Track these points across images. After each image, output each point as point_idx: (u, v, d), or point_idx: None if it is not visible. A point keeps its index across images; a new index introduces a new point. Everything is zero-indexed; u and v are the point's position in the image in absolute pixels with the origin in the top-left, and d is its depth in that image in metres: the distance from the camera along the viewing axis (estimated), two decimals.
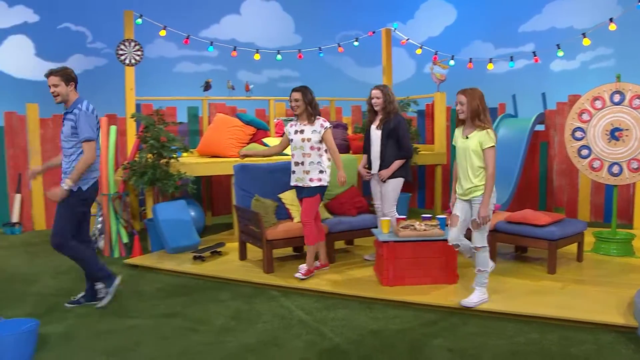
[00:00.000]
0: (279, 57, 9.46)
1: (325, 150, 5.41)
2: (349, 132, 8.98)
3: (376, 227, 5.74)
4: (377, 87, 5.79)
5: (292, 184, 5.50)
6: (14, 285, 5.60)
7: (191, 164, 6.99)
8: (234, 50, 8.97)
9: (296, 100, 5.40)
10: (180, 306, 4.89)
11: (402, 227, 5.27)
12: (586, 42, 8.19)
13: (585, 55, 10.27)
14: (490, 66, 9.28)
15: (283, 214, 6.00)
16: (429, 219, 5.51)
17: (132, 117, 6.99)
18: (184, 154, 7.29)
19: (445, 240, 5.18)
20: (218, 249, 6.35)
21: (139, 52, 7.69)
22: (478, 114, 4.38)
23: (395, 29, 9.70)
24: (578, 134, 6.48)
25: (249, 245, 6.13)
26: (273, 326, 4.37)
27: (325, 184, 5.39)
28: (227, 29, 11.91)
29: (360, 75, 12.34)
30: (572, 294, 4.85)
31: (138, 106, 8.06)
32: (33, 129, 8.45)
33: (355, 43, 9.74)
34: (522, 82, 10.66)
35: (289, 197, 5.98)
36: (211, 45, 8.79)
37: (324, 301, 4.92)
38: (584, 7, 10.23)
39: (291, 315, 4.61)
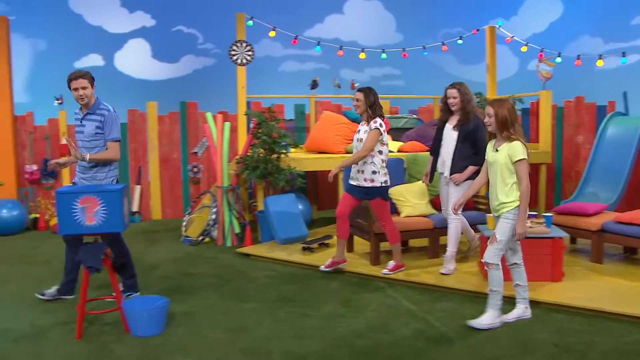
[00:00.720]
0: (384, 55, 9.64)
1: (380, 152, 5.44)
2: None
3: (483, 224, 5.83)
4: (453, 86, 5.52)
5: (349, 182, 5.65)
6: (139, 268, 6.11)
7: (300, 159, 7.37)
8: (340, 49, 9.26)
9: (357, 100, 5.46)
10: (291, 293, 5.22)
11: None
12: None
13: None
14: (599, 62, 9.05)
15: (390, 208, 6.16)
16: (535, 216, 5.55)
17: (245, 114, 7.44)
18: (292, 150, 7.67)
19: (552, 237, 5.23)
20: (326, 241, 6.65)
21: (249, 52, 8.14)
22: (507, 126, 4.20)
23: (499, 26, 9.66)
24: None
25: (355, 237, 6.40)
26: (381, 314, 4.61)
27: (379, 184, 5.43)
28: (330, 28, 12.21)
29: (462, 73, 12.29)
30: None
31: (248, 104, 8.53)
32: (152, 125, 9.14)
33: (459, 41, 9.78)
34: (635, 79, 10.29)
35: (396, 192, 6.18)
36: (318, 45, 9.13)
37: (429, 293, 5.11)
38: None
39: (398, 305, 4.83)
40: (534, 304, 4.70)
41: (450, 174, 5.56)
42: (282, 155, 7.19)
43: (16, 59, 9.05)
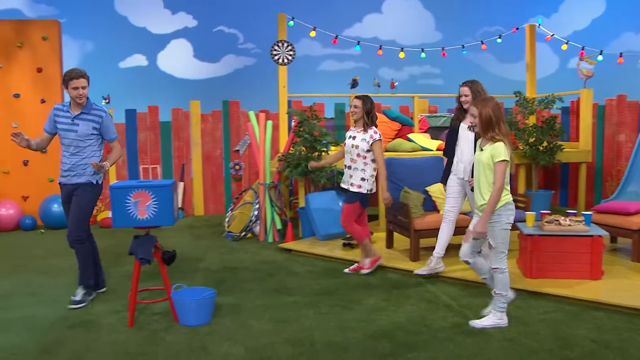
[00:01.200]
0: (423, 55, 9.73)
1: (372, 160, 5.60)
2: None
3: (522, 222, 5.87)
4: (465, 83, 5.36)
5: (341, 185, 5.90)
6: (185, 262, 6.36)
7: None
8: (380, 49, 9.37)
9: (356, 107, 5.66)
10: (332, 287, 5.37)
11: (546, 222, 5.41)
12: None
13: None
14: None
15: (430, 205, 6.32)
16: (574, 214, 5.59)
17: (287, 113, 7.62)
18: (333, 148, 7.82)
19: (591, 236, 5.27)
20: None
21: (291, 52, 8.33)
22: (491, 126, 4.12)
23: (539, 24, 9.64)
24: None
25: (395, 234, 6.53)
26: (420, 308, 4.73)
27: (365, 191, 5.59)
28: (369, 27, 12.29)
29: (501, 72, 12.25)
30: None
31: (289, 102, 8.72)
32: (195, 123, 9.41)
33: (499, 40, 9.79)
34: None
35: (435, 190, 6.29)
36: (358, 44, 9.26)
37: (468, 289, 5.20)
38: None
39: (437, 299, 4.94)
40: (572, 301, 4.75)
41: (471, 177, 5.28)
42: (323, 153, 7.35)
43: (65, 60, 9.40)
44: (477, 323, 4.33)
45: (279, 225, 7.42)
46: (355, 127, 5.78)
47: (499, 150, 4.08)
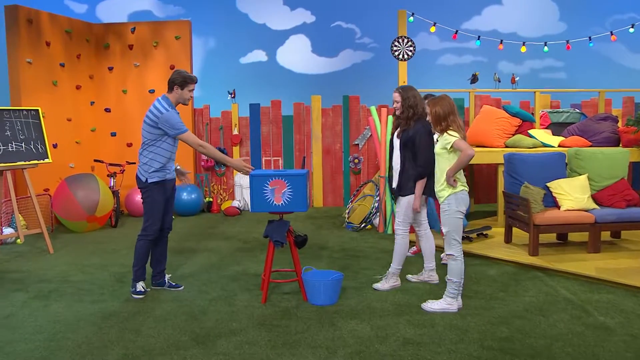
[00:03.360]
0: (545, 49, 9.74)
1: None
2: (619, 124, 8.97)
3: None
4: (397, 89, 5.31)
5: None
6: (309, 248, 6.89)
7: None
8: (500, 43, 9.52)
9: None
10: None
11: None
12: None
13: None
14: None
15: (550, 201, 6.46)
16: None
17: None
18: None
19: None
20: (485, 232, 7.08)
21: (411, 48, 8.71)
22: (439, 121, 4.66)
23: None
24: None
25: (514, 229, 6.76)
26: (539, 299, 4.98)
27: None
28: (488, 20, 12.38)
29: (634, 64, 11.94)
30: None
31: None
32: (316, 117, 10.01)
33: (631, 30, 9.60)
34: None
35: (557, 186, 6.45)
36: (478, 39, 9.47)
37: (588, 285, 5.36)
38: None
39: (556, 293, 5.16)
40: None
41: (400, 194, 5.28)
42: None
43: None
44: (427, 306, 4.77)
45: None
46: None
47: (447, 137, 4.62)
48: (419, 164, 5.09)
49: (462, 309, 4.77)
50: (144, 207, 5.25)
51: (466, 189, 4.74)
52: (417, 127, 5.12)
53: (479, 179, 9.81)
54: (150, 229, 5.20)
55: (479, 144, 8.31)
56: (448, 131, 4.63)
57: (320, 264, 6.20)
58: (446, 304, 4.75)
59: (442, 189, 4.72)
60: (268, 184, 4.84)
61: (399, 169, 5.28)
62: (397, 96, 5.24)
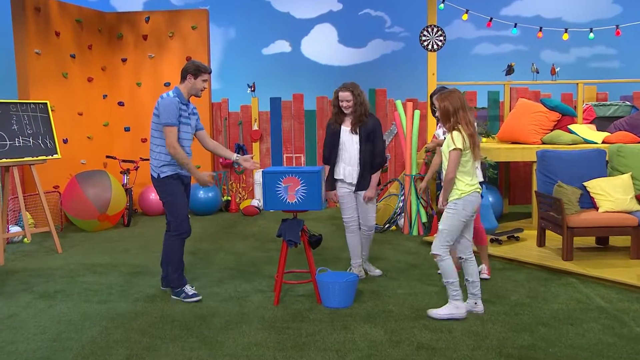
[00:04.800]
0: (591, 35, 9.55)
1: None
2: None
3: None
4: (346, 89, 5.74)
5: None
6: (328, 249, 7.09)
7: (492, 149, 7.88)
8: (540, 31, 9.51)
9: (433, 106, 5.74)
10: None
11: None
12: None
13: None
14: None
15: (587, 202, 6.46)
16: None
17: None
18: (484, 139, 8.17)
19: None
20: (516, 234, 7.14)
21: (441, 38, 8.80)
22: (448, 117, 4.70)
23: None
24: None
25: (548, 232, 6.80)
26: (569, 307, 5.04)
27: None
28: (530, 5, 12.23)
29: None
30: None
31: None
32: None
33: None
34: None
35: (595, 186, 6.43)
36: (515, 27, 9.49)
37: (627, 294, 5.38)
38: None
39: (589, 300, 5.21)
40: None
41: (358, 189, 5.82)
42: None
43: (211, 48, 10.48)
44: (433, 312, 4.83)
45: (424, 219, 7.96)
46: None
47: (452, 140, 4.65)
48: (378, 155, 5.77)
49: (484, 314, 4.87)
50: (166, 206, 5.38)
51: (478, 189, 4.82)
52: (373, 120, 5.79)
53: (515, 176, 9.83)
54: (182, 227, 5.32)
55: (513, 140, 8.34)
56: (454, 132, 4.68)
57: (339, 267, 6.34)
58: (453, 307, 4.82)
59: (453, 191, 4.82)
60: (281, 181, 5.02)
61: (356, 163, 5.75)
62: (347, 95, 5.69)
